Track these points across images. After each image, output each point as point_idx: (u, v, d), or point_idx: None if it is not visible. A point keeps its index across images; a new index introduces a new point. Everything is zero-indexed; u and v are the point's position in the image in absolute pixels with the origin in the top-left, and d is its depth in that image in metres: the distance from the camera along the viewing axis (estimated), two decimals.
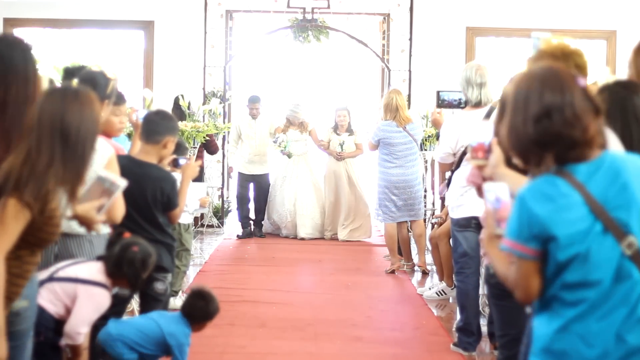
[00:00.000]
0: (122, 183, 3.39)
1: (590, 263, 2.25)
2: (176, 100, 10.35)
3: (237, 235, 10.66)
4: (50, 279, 3.52)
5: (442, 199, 8.54)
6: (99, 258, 3.73)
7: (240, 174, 10.79)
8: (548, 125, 2.27)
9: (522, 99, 2.33)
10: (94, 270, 3.64)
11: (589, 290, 2.27)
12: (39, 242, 2.96)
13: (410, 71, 11.31)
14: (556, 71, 2.36)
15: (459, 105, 6.03)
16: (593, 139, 2.30)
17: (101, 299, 3.63)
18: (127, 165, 4.15)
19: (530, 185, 2.33)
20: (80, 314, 3.54)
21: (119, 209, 3.75)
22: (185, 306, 4.27)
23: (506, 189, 2.53)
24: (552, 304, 2.33)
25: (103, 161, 3.68)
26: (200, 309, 4.25)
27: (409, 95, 11.16)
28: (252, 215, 10.85)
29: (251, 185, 10.76)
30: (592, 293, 2.27)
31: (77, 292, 3.55)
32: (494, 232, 2.57)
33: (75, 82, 3.84)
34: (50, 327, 3.52)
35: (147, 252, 3.74)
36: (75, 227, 3.77)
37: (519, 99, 2.34)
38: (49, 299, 3.50)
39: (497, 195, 2.56)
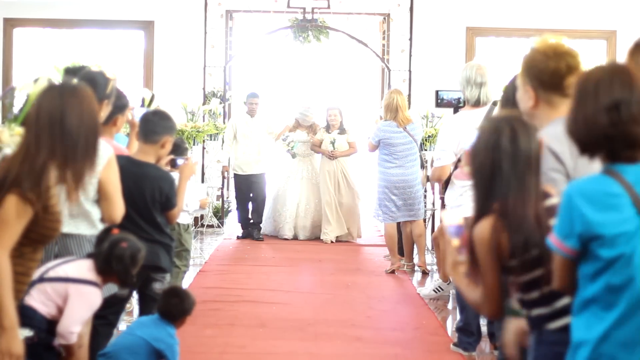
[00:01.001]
0: None
1: (634, 265, 2.24)
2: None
3: (237, 236, 10.62)
4: (41, 279, 3.51)
5: (442, 199, 8.55)
6: (89, 255, 3.72)
7: (236, 175, 10.69)
8: (617, 118, 2.27)
9: (592, 89, 2.32)
10: (84, 268, 3.63)
11: (630, 292, 2.25)
12: (41, 238, 2.97)
13: (410, 71, 11.31)
14: (626, 68, 2.36)
15: (457, 104, 6.03)
16: None
17: (92, 297, 3.61)
18: (126, 165, 4.15)
19: (578, 183, 2.33)
20: (72, 313, 3.53)
21: (119, 209, 3.74)
22: (161, 306, 4.27)
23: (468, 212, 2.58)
24: (591, 306, 2.32)
25: (103, 161, 3.68)
26: (175, 306, 4.25)
27: (409, 95, 11.15)
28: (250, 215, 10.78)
29: (249, 187, 10.60)
30: (633, 296, 2.25)
31: (68, 292, 3.54)
32: (457, 259, 2.61)
33: (74, 81, 3.84)
34: (43, 327, 3.51)
35: (136, 247, 3.73)
36: (76, 227, 3.77)
37: (588, 89, 2.33)
38: (40, 300, 3.49)
39: (457, 224, 2.60)
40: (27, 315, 3.43)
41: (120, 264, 3.65)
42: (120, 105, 4.46)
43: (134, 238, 3.79)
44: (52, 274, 3.55)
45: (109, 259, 3.64)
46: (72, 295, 3.53)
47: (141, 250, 3.75)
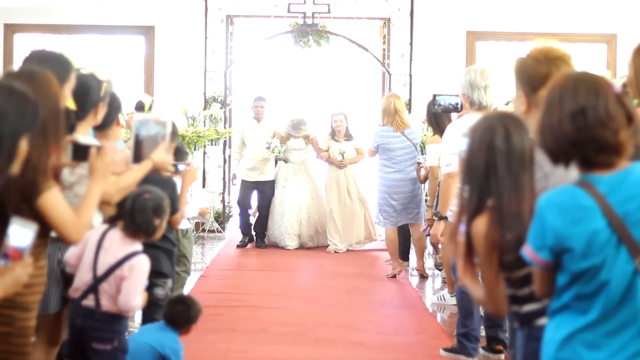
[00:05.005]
0: (167, 118, 3.46)
1: (604, 274, 2.24)
2: (140, 106, 8.94)
3: (237, 245, 10.36)
4: (97, 280, 3.56)
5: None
6: (110, 221, 3.71)
7: (243, 181, 10.43)
8: (583, 123, 2.26)
9: (557, 98, 2.32)
10: (121, 243, 3.63)
11: (599, 300, 2.25)
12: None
13: (410, 75, 11.31)
14: (592, 75, 2.37)
15: (455, 109, 5.99)
16: (623, 144, 2.28)
17: (143, 266, 3.63)
18: None
19: (548, 196, 2.33)
20: (130, 289, 3.57)
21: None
22: (167, 312, 4.27)
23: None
24: (563, 311, 2.33)
25: None
26: (181, 313, 4.25)
27: (410, 100, 11.16)
28: (252, 222, 10.54)
29: (254, 193, 10.45)
30: (602, 304, 2.25)
31: (122, 275, 3.57)
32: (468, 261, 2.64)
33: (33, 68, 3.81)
34: (117, 329, 3.59)
35: (158, 196, 3.72)
36: None
37: (553, 98, 2.33)
38: (107, 301, 3.55)
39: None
40: (109, 322, 3.56)
41: (143, 215, 3.64)
42: (117, 106, 4.45)
43: (156, 188, 3.78)
44: (101, 270, 3.57)
45: (132, 215, 3.63)
46: (126, 274, 3.56)
47: (164, 198, 3.73)
